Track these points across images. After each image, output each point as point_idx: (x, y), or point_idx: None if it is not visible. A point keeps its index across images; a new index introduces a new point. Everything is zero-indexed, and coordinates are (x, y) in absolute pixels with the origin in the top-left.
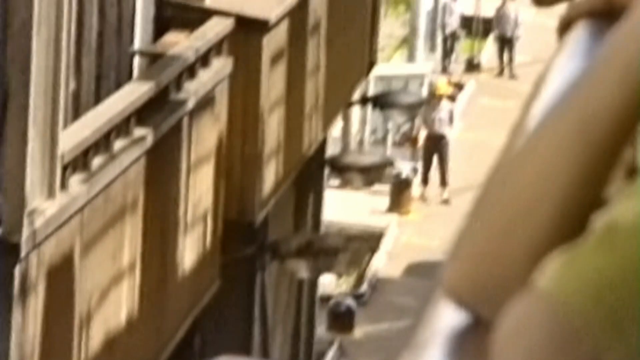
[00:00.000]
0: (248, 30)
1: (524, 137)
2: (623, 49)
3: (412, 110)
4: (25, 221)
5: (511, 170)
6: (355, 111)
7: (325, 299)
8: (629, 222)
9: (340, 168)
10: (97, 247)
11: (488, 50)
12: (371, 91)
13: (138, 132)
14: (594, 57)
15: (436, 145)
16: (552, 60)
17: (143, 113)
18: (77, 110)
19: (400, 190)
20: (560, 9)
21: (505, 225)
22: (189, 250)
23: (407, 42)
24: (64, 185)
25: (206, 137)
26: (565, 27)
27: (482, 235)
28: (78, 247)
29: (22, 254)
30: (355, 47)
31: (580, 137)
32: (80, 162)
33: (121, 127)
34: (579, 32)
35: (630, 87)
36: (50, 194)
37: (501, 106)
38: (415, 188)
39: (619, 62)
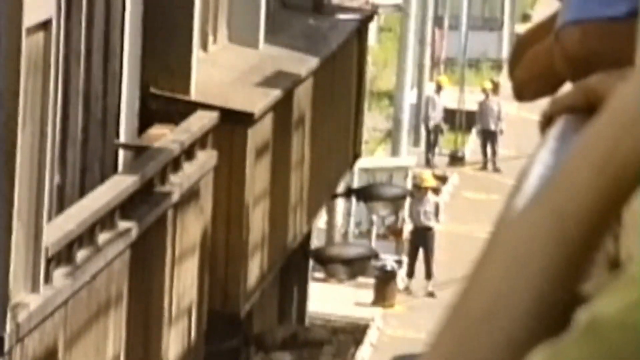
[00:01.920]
0: (233, 123)
1: (500, 230)
2: (597, 142)
3: (396, 202)
4: (9, 315)
5: (485, 264)
6: (340, 203)
7: None
8: (613, 316)
9: (324, 260)
10: (81, 341)
11: (471, 144)
12: (355, 184)
13: (123, 225)
14: (569, 151)
15: (422, 238)
16: (534, 155)
17: (128, 206)
18: (61, 203)
19: (384, 282)
20: (542, 103)
21: (480, 322)
22: (173, 343)
23: (391, 135)
24: (48, 278)
25: (191, 229)
26: (547, 121)
27: (457, 330)
28: (62, 340)
29: (6, 348)
30: (339, 140)
31: (554, 232)
32: (64, 255)
33: (106, 220)
34: (561, 127)
35: (605, 180)
36: (34, 287)
37: (485, 199)
38: (400, 280)
39: (593, 155)
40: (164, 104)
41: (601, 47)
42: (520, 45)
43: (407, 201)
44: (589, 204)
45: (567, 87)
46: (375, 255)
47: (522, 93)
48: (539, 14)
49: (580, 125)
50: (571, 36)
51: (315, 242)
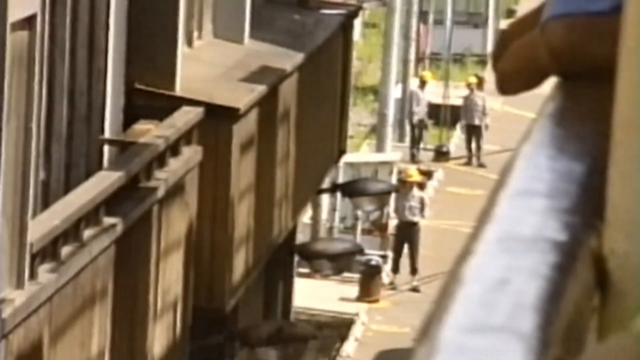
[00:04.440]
0: (218, 118)
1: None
2: None
3: (381, 198)
4: None
5: None
6: (325, 199)
7: None
8: None
9: (309, 255)
10: (66, 336)
11: (456, 139)
12: (340, 179)
13: (108, 220)
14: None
15: (407, 233)
16: (518, 149)
17: (113, 202)
18: (46, 199)
19: (369, 277)
20: (527, 98)
21: None
22: (158, 338)
23: (376, 130)
24: (32, 274)
25: (176, 225)
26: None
27: None
28: (47, 336)
29: None
30: (324, 135)
31: None
32: (49, 251)
33: (91, 215)
34: (545, 122)
35: None
36: (19, 283)
37: (470, 194)
38: (385, 276)
39: None
40: (149, 99)
41: (586, 42)
42: (504, 38)
43: (392, 196)
44: None
45: (551, 80)
46: (360, 251)
47: (506, 86)
48: (524, 10)
49: (565, 122)
50: (556, 30)
51: (300, 238)
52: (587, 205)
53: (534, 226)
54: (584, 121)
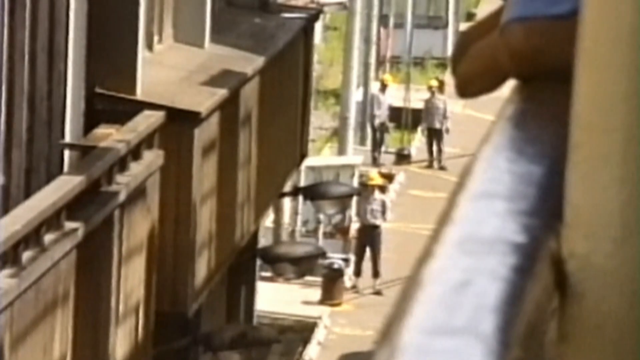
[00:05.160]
0: (179, 122)
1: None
2: None
3: (343, 201)
4: None
5: None
6: (287, 202)
7: None
8: None
9: (272, 259)
10: (28, 341)
11: (417, 142)
12: (302, 182)
13: (69, 225)
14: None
15: (369, 236)
16: (478, 152)
17: (74, 206)
18: (6, 204)
19: (332, 281)
20: (487, 101)
21: None
22: (121, 343)
23: (338, 133)
24: None
25: (138, 229)
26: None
27: None
28: (8, 341)
29: None
30: (286, 139)
31: None
32: (10, 256)
33: (52, 220)
34: (504, 124)
35: None
36: None
37: (432, 197)
38: (347, 279)
39: None
40: (109, 103)
41: (545, 45)
42: (463, 41)
43: (354, 199)
44: None
45: (510, 83)
46: (323, 254)
47: (465, 89)
48: (483, 13)
49: (525, 124)
50: (516, 33)
51: (263, 241)
52: (547, 208)
53: (493, 228)
54: (543, 123)
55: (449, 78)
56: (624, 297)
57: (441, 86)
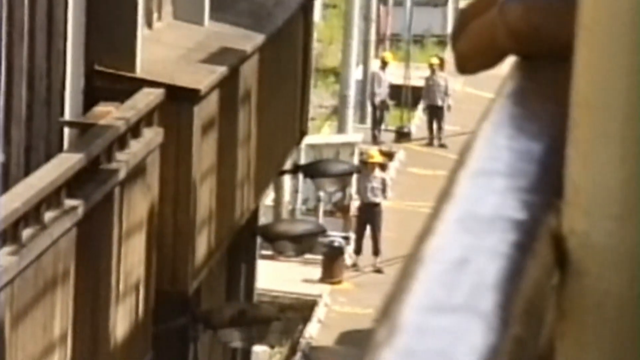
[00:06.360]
0: (179, 100)
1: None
2: None
3: (343, 179)
4: None
5: None
6: (287, 180)
7: None
8: None
9: (272, 237)
10: (28, 319)
11: (417, 120)
12: (302, 160)
13: (69, 203)
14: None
15: (369, 214)
16: (477, 129)
17: (74, 184)
18: (6, 182)
19: (332, 259)
20: (486, 78)
21: None
22: (121, 321)
23: (337, 112)
24: None
25: (138, 207)
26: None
27: None
28: (8, 319)
29: None
30: (286, 117)
31: None
32: (10, 234)
33: (52, 198)
34: (503, 101)
35: None
36: None
37: (431, 175)
38: (348, 257)
39: None
40: (109, 81)
41: (544, 23)
42: (463, 17)
43: (354, 177)
44: None
45: (509, 60)
46: (323, 232)
47: (464, 66)
48: None
49: (524, 100)
50: (515, 10)
51: (263, 220)
52: (547, 185)
53: (493, 205)
54: (542, 101)
55: (449, 56)
56: (623, 275)
57: (442, 64)
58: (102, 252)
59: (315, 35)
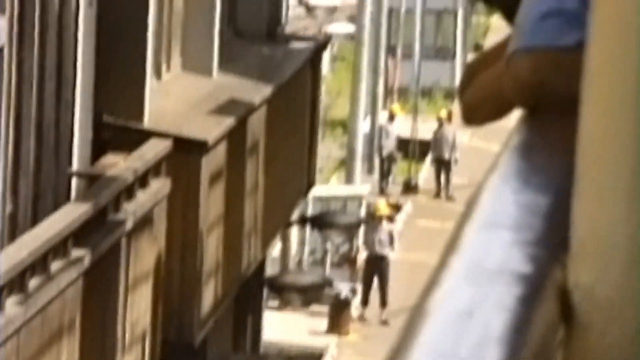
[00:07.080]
0: (187, 151)
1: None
2: None
3: (350, 230)
4: None
5: None
6: (294, 231)
7: None
8: None
9: (279, 288)
10: None
11: (424, 172)
12: (310, 212)
13: (75, 253)
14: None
15: (376, 266)
16: (484, 182)
17: (81, 234)
18: (13, 232)
19: (339, 310)
20: (493, 131)
21: None
22: None
23: (345, 163)
24: (0, 307)
25: (144, 257)
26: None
27: None
28: None
29: None
30: (293, 168)
31: None
32: (16, 283)
33: (59, 248)
34: (510, 154)
35: None
36: None
37: (439, 227)
38: (354, 309)
39: None
40: (117, 132)
41: (552, 75)
42: (470, 70)
43: (361, 229)
44: None
45: (516, 112)
46: (330, 283)
47: (471, 117)
48: (491, 44)
49: (530, 155)
50: (522, 63)
51: (270, 271)
52: (552, 238)
53: (499, 258)
54: (548, 154)
55: (457, 109)
56: (627, 330)
57: (450, 117)
58: (108, 302)
59: (323, 87)
